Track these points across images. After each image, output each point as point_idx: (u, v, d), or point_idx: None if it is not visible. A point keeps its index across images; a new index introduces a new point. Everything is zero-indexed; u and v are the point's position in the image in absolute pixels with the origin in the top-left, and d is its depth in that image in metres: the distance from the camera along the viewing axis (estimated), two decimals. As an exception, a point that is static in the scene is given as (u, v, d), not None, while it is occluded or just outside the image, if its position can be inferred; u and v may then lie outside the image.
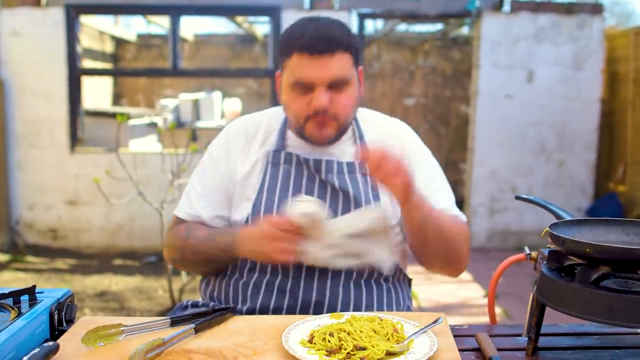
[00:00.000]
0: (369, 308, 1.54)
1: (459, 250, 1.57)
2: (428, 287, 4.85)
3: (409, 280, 1.73)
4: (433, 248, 1.54)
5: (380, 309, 1.56)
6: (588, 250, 1.05)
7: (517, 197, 1.43)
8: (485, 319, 4.10)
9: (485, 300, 4.51)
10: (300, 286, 1.51)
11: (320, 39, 1.45)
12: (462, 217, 1.64)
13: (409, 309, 1.67)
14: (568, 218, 1.26)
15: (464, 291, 4.76)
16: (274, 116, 1.68)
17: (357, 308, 1.53)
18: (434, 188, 1.61)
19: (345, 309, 1.52)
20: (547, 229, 1.15)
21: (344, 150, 1.61)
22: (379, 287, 1.58)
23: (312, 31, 1.46)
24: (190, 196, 1.65)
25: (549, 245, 1.27)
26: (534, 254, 1.36)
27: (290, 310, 1.50)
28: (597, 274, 1.07)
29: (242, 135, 1.66)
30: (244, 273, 1.57)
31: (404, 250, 1.68)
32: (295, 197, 1.51)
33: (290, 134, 1.63)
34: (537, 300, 1.16)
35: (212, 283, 1.66)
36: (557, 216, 1.29)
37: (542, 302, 1.14)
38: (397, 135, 1.68)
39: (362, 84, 1.61)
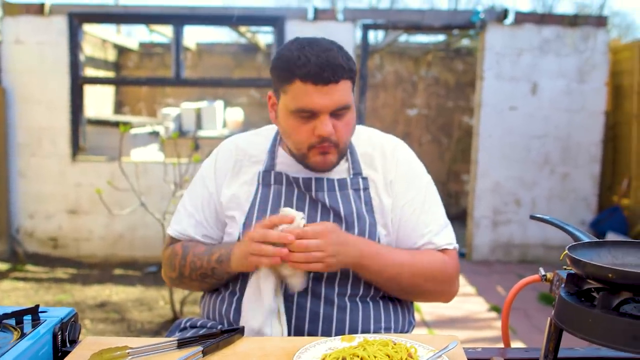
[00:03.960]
0: (366, 325, 1.52)
1: (430, 291, 1.60)
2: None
3: None
4: (397, 294, 1.58)
5: (377, 325, 1.54)
6: (610, 275, 1.01)
7: (532, 217, 1.39)
8: (491, 334, 4.07)
9: (490, 314, 4.48)
10: (294, 306, 1.49)
11: (325, 68, 1.42)
12: (449, 245, 1.61)
13: (410, 324, 1.64)
14: (586, 240, 1.22)
15: (468, 304, 4.72)
16: (265, 135, 1.69)
17: (353, 325, 1.50)
18: (423, 210, 1.60)
19: (340, 326, 1.49)
20: (566, 251, 1.12)
21: (335, 168, 1.58)
22: (376, 304, 1.56)
23: (315, 59, 1.42)
24: (181, 214, 1.68)
25: (564, 267, 1.24)
26: (549, 275, 1.32)
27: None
28: (618, 299, 1.04)
29: (231, 155, 1.67)
30: (241, 289, 1.55)
31: None
32: (279, 210, 1.50)
33: (280, 153, 1.62)
34: (556, 325, 1.13)
35: (210, 301, 1.64)
36: (575, 237, 1.25)
37: (561, 328, 1.11)
38: (388, 152, 1.65)
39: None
